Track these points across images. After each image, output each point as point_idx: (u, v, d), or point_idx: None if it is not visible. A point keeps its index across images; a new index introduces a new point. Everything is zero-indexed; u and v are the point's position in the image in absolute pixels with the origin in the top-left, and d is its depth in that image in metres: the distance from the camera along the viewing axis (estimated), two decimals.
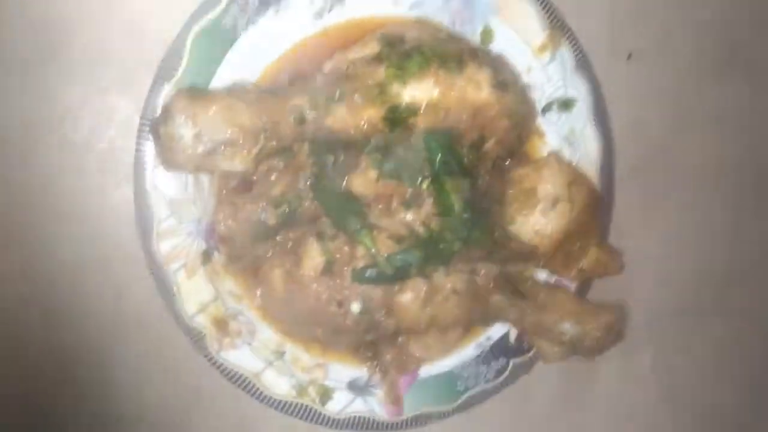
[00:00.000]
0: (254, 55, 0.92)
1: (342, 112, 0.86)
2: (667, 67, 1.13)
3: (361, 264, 0.88)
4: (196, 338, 0.90)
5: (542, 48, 1.01)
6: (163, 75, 0.87)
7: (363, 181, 0.89)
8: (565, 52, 1.02)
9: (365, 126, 0.87)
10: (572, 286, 1.04)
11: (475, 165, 0.92)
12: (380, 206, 0.89)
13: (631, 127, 1.12)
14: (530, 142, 1.04)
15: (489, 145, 0.93)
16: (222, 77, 0.90)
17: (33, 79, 0.89)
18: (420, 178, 0.88)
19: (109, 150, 0.91)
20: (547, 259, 0.99)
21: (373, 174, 0.88)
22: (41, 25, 0.89)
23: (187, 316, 0.89)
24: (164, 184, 0.87)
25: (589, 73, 1.03)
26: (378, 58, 0.89)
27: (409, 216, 0.88)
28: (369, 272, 0.87)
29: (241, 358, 0.92)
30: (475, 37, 1.00)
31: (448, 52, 0.89)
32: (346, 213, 0.88)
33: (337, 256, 0.88)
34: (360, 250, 0.88)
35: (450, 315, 0.94)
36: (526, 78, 1.01)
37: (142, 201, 0.87)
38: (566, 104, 1.04)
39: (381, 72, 0.87)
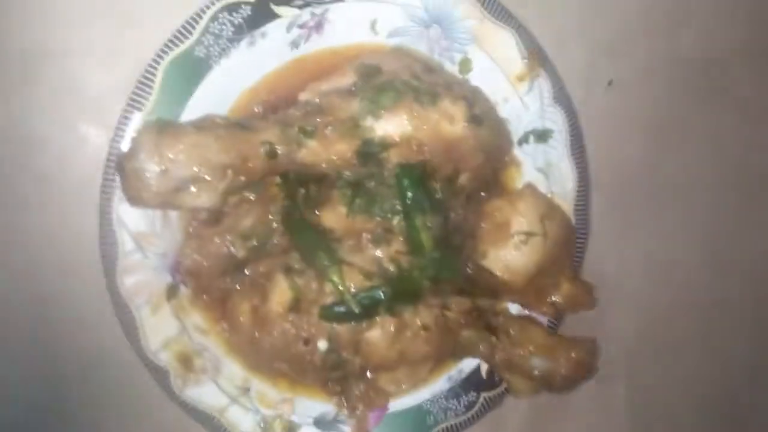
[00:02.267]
0: (228, 85, 0.90)
1: (314, 146, 0.84)
2: (648, 95, 1.12)
3: (329, 301, 0.86)
4: (160, 375, 0.88)
5: (520, 77, 0.99)
6: (133, 105, 0.85)
7: (333, 215, 0.87)
8: (543, 83, 1.00)
9: (337, 160, 0.85)
10: (545, 319, 1.04)
11: (448, 199, 0.91)
12: (350, 242, 0.87)
13: (609, 156, 1.10)
14: (506, 173, 1.03)
15: (463, 179, 0.91)
16: (194, 108, 0.88)
17: (1, 109, 0.87)
18: (391, 215, 0.87)
19: (78, 181, 0.89)
20: (519, 293, 0.99)
21: (342, 209, 0.87)
22: (10, 54, 0.87)
23: (150, 353, 0.87)
24: (130, 218, 0.85)
25: (566, 103, 1.01)
26: (351, 91, 0.87)
27: (379, 252, 0.87)
28: (337, 310, 0.86)
29: (205, 394, 0.90)
30: (453, 66, 0.99)
31: (421, 86, 0.87)
32: (315, 248, 0.86)
33: (305, 292, 0.87)
34: (329, 287, 0.86)
35: (419, 351, 0.92)
36: (503, 108, 1.00)
37: (107, 234, 0.85)
38: (543, 135, 1.02)
39: (354, 105, 0.85)
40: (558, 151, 1.03)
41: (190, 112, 0.87)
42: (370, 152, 0.85)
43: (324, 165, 0.86)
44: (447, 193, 0.90)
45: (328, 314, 0.86)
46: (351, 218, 0.86)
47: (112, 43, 0.90)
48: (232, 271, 0.89)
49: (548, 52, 1.02)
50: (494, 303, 0.99)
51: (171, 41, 0.85)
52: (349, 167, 0.86)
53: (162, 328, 0.88)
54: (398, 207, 0.87)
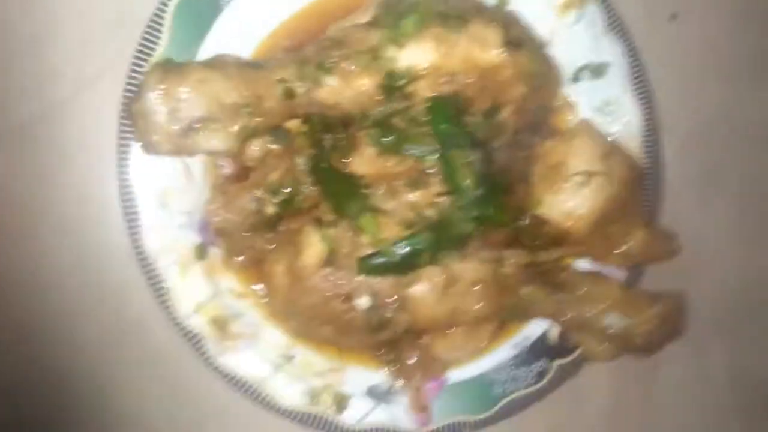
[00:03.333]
0: (245, 29, 0.85)
1: (333, 82, 0.78)
2: (717, 26, 1.00)
3: (366, 252, 0.79)
4: (194, 341, 0.82)
5: (566, 5, 0.90)
6: (143, 53, 0.81)
7: (362, 160, 0.80)
8: (594, 11, 0.90)
9: (360, 97, 0.79)
10: (620, 275, 0.92)
11: (490, 137, 0.82)
12: (383, 187, 0.80)
13: (678, 99, 0.99)
14: (559, 115, 0.94)
15: (505, 114, 0.82)
16: (208, 53, 0.83)
17: (16, 75, 0.86)
18: (425, 153, 0.79)
19: (96, 138, 0.85)
20: (584, 244, 0.87)
21: (371, 151, 0.80)
22: (20, 19, 0.86)
23: (183, 317, 0.82)
24: (151, 174, 0.81)
25: (622, 33, 0.91)
26: (372, 22, 0.81)
27: (415, 196, 0.79)
28: (375, 261, 0.78)
29: (244, 362, 0.84)
30: None
31: (449, 10, 0.80)
32: (345, 197, 0.80)
33: (340, 244, 0.80)
34: (365, 238, 0.79)
35: (473, 309, 0.82)
36: (549, 41, 0.90)
37: (127, 191, 0.81)
38: (598, 70, 0.92)
39: (375, 35, 0.79)
40: (617, 87, 0.92)
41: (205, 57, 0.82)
42: (394, 85, 0.78)
43: (347, 104, 0.79)
44: (488, 129, 0.82)
45: (366, 267, 0.78)
46: (381, 160, 0.80)
47: None
48: (262, 229, 0.84)
49: None
50: (557, 257, 0.89)
51: None
52: (374, 105, 0.79)
53: (193, 291, 0.83)
54: (433, 145, 0.79)
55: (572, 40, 0.90)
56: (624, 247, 0.87)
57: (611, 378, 0.95)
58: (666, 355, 0.88)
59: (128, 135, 0.80)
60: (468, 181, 0.77)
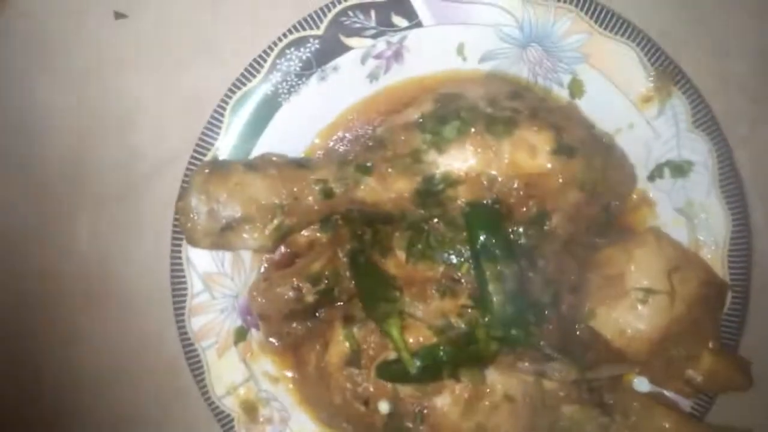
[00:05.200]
0: (302, 123, 0.87)
1: (371, 183, 0.77)
2: None
3: (391, 357, 0.76)
4: (224, 422, 0.85)
5: (646, 99, 0.82)
6: (201, 147, 0.85)
7: (394, 261, 0.78)
8: (678, 104, 0.81)
9: (397, 199, 0.76)
10: (685, 403, 0.82)
11: (535, 246, 0.76)
12: (414, 291, 0.77)
13: None
14: (636, 215, 0.85)
15: (555, 221, 0.76)
16: (266, 146, 0.85)
17: (103, 154, 0.94)
18: (457, 261, 0.76)
19: (161, 224, 0.90)
20: (641, 365, 0.79)
21: (402, 255, 0.77)
22: (107, 104, 0.94)
23: (215, 397, 0.85)
24: (199, 259, 0.85)
25: (712, 128, 0.81)
26: (418, 123, 0.78)
27: (443, 304, 0.75)
28: (395, 368, 0.75)
29: None
30: (562, 90, 0.85)
31: (496, 114, 0.75)
32: (376, 295, 0.77)
33: (368, 345, 0.77)
34: (389, 342, 0.76)
35: (503, 427, 0.76)
36: (627, 136, 0.83)
37: (177, 275, 0.85)
38: (681, 168, 0.82)
39: (417, 139, 0.76)
40: (703, 188, 0.82)
41: (262, 152, 0.84)
42: (431, 190, 0.75)
43: (385, 204, 0.77)
44: (534, 238, 0.76)
45: (385, 372, 0.76)
46: (411, 265, 0.77)
47: (184, 87, 0.92)
48: (301, 317, 0.84)
49: (690, 64, 0.83)
50: (611, 376, 0.81)
51: (237, 81, 0.84)
52: (411, 207, 0.77)
53: (229, 373, 0.85)
54: (465, 254, 0.75)
55: (653, 134, 0.82)
56: (688, 373, 0.78)
57: None
58: None
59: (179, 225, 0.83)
60: (496, 298, 0.73)
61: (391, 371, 0.76)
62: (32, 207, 0.94)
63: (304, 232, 0.85)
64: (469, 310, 0.74)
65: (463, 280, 0.75)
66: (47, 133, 0.94)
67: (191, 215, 0.77)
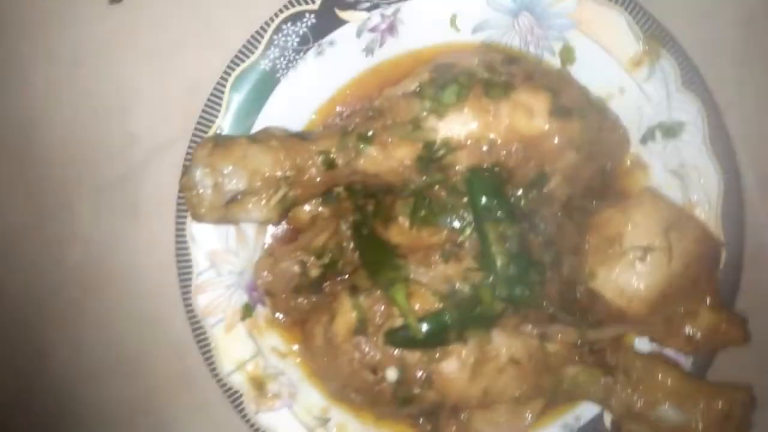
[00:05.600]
0: (301, 98, 0.87)
1: (373, 152, 0.77)
2: None
3: (397, 324, 0.77)
4: (233, 397, 0.85)
5: (636, 62, 0.83)
6: (203, 123, 0.85)
7: (399, 229, 0.79)
8: (667, 66, 0.83)
9: (399, 168, 0.77)
10: (685, 360, 0.84)
11: (535, 208, 0.78)
12: (418, 258, 0.78)
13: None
14: (630, 178, 0.87)
15: (553, 183, 0.78)
16: (266, 123, 0.86)
17: (102, 139, 0.94)
18: (460, 226, 0.77)
19: (158, 203, 0.92)
20: (642, 324, 0.80)
21: (405, 222, 0.78)
22: (104, 89, 0.94)
23: (224, 374, 0.85)
24: (203, 236, 0.85)
25: (700, 88, 0.83)
26: (417, 92, 0.79)
27: (447, 269, 0.76)
28: (402, 334, 0.76)
29: (280, 422, 0.86)
30: (554, 57, 0.86)
31: (493, 78, 0.76)
32: (381, 264, 0.79)
33: (374, 314, 0.78)
34: (396, 309, 0.77)
35: (509, 389, 0.78)
36: (619, 100, 0.85)
37: (182, 253, 0.85)
38: (672, 130, 0.84)
39: (417, 106, 0.77)
40: (694, 148, 0.84)
41: (261, 128, 0.84)
42: (432, 157, 0.76)
43: (387, 174, 0.78)
44: (534, 201, 0.78)
45: (392, 339, 0.77)
46: (415, 231, 0.78)
47: (181, 69, 0.93)
48: (307, 291, 0.85)
49: (678, 28, 0.85)
50: (612, 335, 0.82)
51: (236, 57, 0.85)
52: (413, 175, 0.78)
53: (236, 349, 0.86)
54: (468, 218, 0.76)
55: (643, 96, 0.84)
56: (687, 330, 0.80)
57: None
58: None
59: (184, 202, 0.83)
60: (500, 259, 0.74)
61: (399, 338, 0.77)
62: (31, 195, 0.94)
63: (306, 207, 0.86)
64: (474, 273, 0.75)
65: (466, 244, 0.77)
66: (44, 121, 0.94)
67: (196, 189, 0.77)
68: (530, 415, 0.84)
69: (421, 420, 0.86)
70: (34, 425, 0.95)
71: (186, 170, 0.79)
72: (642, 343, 0.84)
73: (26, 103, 0.95)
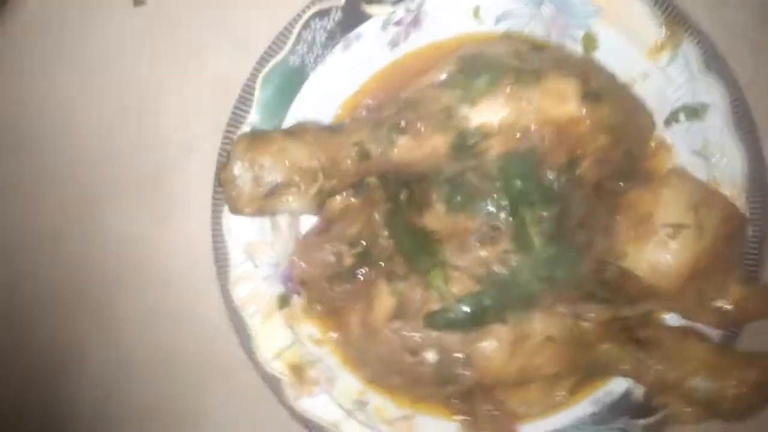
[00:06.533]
0: (329, 92, 0.89)
1: (406, 142, 0.79)
2: None
3: (435, 307, 0.80)
4: (273, 385, 0.87)
5: (659, 48, 0.86)
6: (235, 120, 0.87)
7: (434, 216, 0.81)
8: (689, 49, 0.85)
9: (433, 156, 0.80)
10: (714, 333, 0.86)
11: (568, 191, 0.79)
12: (455, 243, 0.80)
13: None
14: (655, 160, 0.89)
15: (584, 166, 0.80)
16: (295, 118, 0.88)
17: (130, 138, 0.95)
18: (496, 210, 0.79)
19: (195, 197, 0.93)
20: (673, 300, 0.83)
21: (442, 208, 0.81)
22: (129, 90, 0.96)
23: (264, 361, 0.87)
24: (239, 229, 0.87)
25: (722, 69, 0.85)
26: (447, 81, 0.81)
27: (485, 253, 0.78)
28: (441, 317, 0.79)
29: (319, 406, 0.87)
30: (576, 45, 0.88)
31: (523, 66, 0.78)
32: (417, 251, 0.81)
33: (411, 298, 0.81)
34: (434, 293, 0.80)
35: (545, 367, 0.81)
36: (643, 86, 0.87)
37: (219, 246, 0.87)
38: (695, 112, 0.86)
39: (448, 95, 0.79)
40: (718, 129, 0.86)
41: (292, 122, 0.87)
42: (466, 144, 0.78)
43: (420, 163, 0.80)
44: (566, 184, 0.79)
45: (432, 321, 0.79)
46: (451, 217, 0.80)
47: (208, 69, 0.94)
48: (341, 280, 0.87)
49: (697, 13, 0.87)
50: (643, 312, 0.85)
51: (265, 54, 0.86)
52: (446, 163, 0.80)
53: (275, 338, 0.87)
54: (503, 202, 0.78)
55: (666, 80, 0.86)
56: (718, 304, 0.82)
57: None
58: (761, 422, 0.82)
59: (220, 197, 0.85)
60: (537, 241, 0.76)
61: (439, 320, 0.79)
62: (62, 196, 0.96)
63: (338, 198, 0.88)
64: (511, 255, 0.78)
65: (502, 228, 0.78)
66: (73, 123, 0.96)
67: (236, 183, 0.79)
68: (563, 392, 0.87)
69: (456, 400, 0.89)
70: (74, 417, 0.97)
71: (224, 165, 0.81)
72: (672, 319, 0.87)
73: (55, 106, 0.96)
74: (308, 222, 0.90)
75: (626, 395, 0.87)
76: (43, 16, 0.96)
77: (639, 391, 0.86)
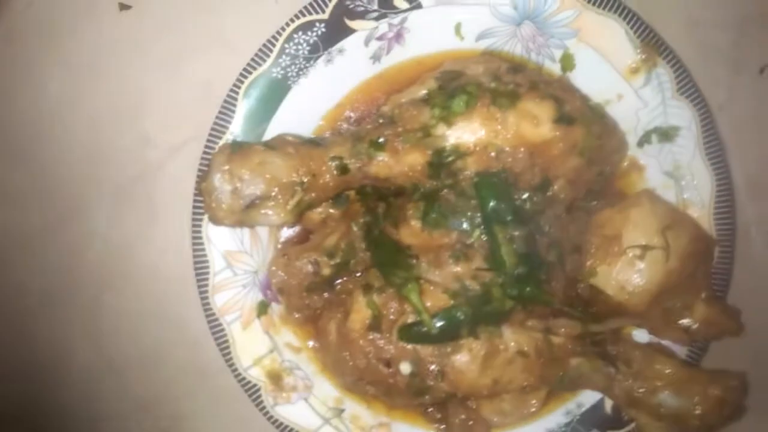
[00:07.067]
0: (311, 104, 0.91)
1: (384, 158, 0.81)
2: None
3: (410, 320, 0.81)
4: (251, 391, 0.89)
5: (634, 70, 0.88)
6: (216, 131, 0.88)
7: (410, 231, 0.83)
8: (663, 73, 0.87)
9: (409, 173, 0.81)
10: (681, 350, 0.89)
11: (540, 210, 0.82)
12: (429, 258, 0.81)
13: (761, 157, 0.93)
14: (627, 179, 0.91)
15: (558, 187, 0.82)
16: (277, 130, 0.89)
17: (118, 141, 0.96)
18: (470, 228, 0.80)
19: (175, 207, 0.95)
20: (641, 317, 0.85)
21: (418, 224, 0.82)
22: (117, 92, 0.96)
23: (242, 369, 0.89)
24: (219, 238, 0.88)
25: (694, 95, 0.87)
26: (426, 99, 0.83)
27: (458, 269, 0.80)
28: (415, 330, 0.80)
29: (297, 413, 0.90)
30: (555, 65, 0.90)
31: (500, 88, 0.80)
32: (393, 264, 0.82)
33: (387, 311, 0.82)
34: (409, 306, 0.81)
35: (516, 380, 0.83)
36: (617, 106, 0.89)
37: (198, 254, 0.89)
38: (667, 133, 0.88)
39: (426, 114, 0.81)
40: (688, 151, 0.88)
41: (273, 134, 0.88)
42: (442, 163, 0.80)
43: (398, 178, 0.82)
44: (539, 204, 0.81)
45: (406, 334, 0.81)
46: (426, 233, 0.82)
47: (193, 75, 0.95)
48: (319, 289, 0.88)
49: (673, 35, 0.89)
50: (615, 328, 0.87)
51: (248, 65, 0.87)
52: (423, 179, 0.81)
53: (253, 345, 0.89)
54: (477, 220, 0.80)
55: (640, 102, 0.88)
56: (684, 322, 0.84)
57: None
58: None
59: (200, 205, 0.86)
60: (509, 260, 0.78)
61: (413, 333, 0.81)
62: (49, 197, 0.97)
63: (317, 210, 0.90)
64: (483, 272, 0.79)
65: (475, 245, 0.80)
66: (60, 125, 0.97)
67: (215, 194, 0.80)
68: (535, 403, 0.90)
69: (431, 409, 0.91)
70: (57, 416, 0.98)
71: (204, 175, 0.82)
72: (641, 335, 0.89)
73: (43, 108, 0.97)
74: (287, 231, 0.92)
75: (597, 407, 0.90)
76: (29, 20, 0.97)
77: (609, 404, 0.89)
